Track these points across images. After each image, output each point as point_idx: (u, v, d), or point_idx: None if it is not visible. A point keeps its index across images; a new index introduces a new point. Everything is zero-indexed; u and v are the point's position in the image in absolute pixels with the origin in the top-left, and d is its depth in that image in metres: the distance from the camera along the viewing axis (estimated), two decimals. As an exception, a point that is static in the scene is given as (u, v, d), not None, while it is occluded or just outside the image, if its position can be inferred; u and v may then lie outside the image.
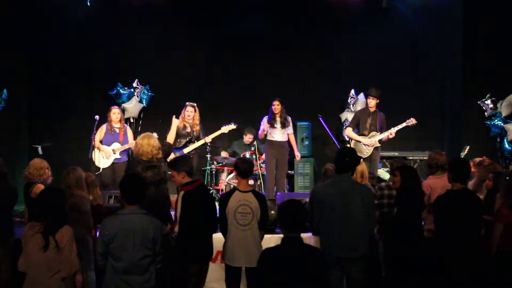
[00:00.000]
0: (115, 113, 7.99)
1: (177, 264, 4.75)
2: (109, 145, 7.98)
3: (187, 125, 8.01)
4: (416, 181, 5.17)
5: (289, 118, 8.25)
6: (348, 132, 8.09)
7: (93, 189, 5.68)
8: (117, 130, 8.02)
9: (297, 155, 8.46)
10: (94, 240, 5.49)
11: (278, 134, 8.13)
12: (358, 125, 8.03)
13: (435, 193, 5.25)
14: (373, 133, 7.93)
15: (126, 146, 8.01)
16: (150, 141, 5.59)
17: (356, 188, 4.60)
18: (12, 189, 5.42)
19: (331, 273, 4.60)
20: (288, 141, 8.31)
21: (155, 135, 7.55)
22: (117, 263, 3.94)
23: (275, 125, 8.09)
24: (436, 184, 5.46)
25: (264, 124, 8.15)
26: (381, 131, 7.93)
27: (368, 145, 7.87)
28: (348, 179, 4.62)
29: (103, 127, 8.00)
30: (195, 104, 8.06)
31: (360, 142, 7.92)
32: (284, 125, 8.12)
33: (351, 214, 4.45)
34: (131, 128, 9.41)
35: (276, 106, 8.06)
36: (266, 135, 8.17)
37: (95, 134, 7.77)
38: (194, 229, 4.75)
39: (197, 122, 8.05)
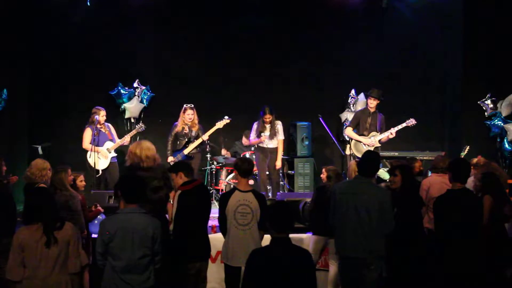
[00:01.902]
0: (103, 115, 7.98)
1: (175, 264, 4.74)
2: (101, 145, 7.96)
3: (186, 127, 8.04)
4: (415, 180, 5.20)
5: (279, 126, 8.18)
6: (348, 132, 8.09)
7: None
8: (103, 131, 8.03)
9: (277, 164, 8.19)
10: (87, 241, 5.50)
11: (269, 142, 8.12)
12: (358, 125, 8.03)
13: (434, 187, 5.49)
14: (373, 133, 7.94)
15: (120, 143, 8.03)
16: (143, 146, 5.36)
17: (375, 191, 4.61)
18: (4, 188, 5.42)
19: (346, 274, 4.63)
20: (291, 141, 8.30)
21: (142, 126, 7.61)
22: (116, 262, 3.94)
23: (265, 133, 8.07)
24: (435, 180, 5.64)
25: (253, 131, 8.14)
26: (381, 131, 7.93)
27: (368, 145, 7.87)
28: (368, 181, 4.65)
29: (89, 131, 7.88)
30: (193, 105, 8.09)
31: (360, 142, 7.92)
32: (274, 135, 8.08)
33: (368, 216, 4.48)
34: (131, 128, 9.43)
35: (267, 119, 8.02)
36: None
37: (93, 138, 7.73)
38: (189, 229, 4.76)
39: (196, 122, 8.08)
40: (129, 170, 5.43)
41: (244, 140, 9.12)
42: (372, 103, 7.92)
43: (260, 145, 8.15)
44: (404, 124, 7.98)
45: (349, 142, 8.21)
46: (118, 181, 4.25)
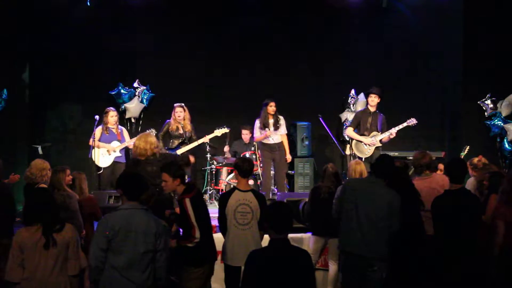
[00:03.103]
0: (113, 116, 8.04)
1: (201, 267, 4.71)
2: (109, 143, 8.03)
3: (179, 126, 8.08)
4: (408, 180, 5.15)
5: (282, 121, 8.21)
6: (349, 132, 8.09)
7: (79, 187, 5.69)
8: (113, 131, 8.07)
9: (288, 157, 8.32)
10: (87, 241, 5.50)
11: (273, 136, 8.11)
12: (358, 125, 8.03)
13: (421, 194, 5.23)
14: (374, 133, 7.93)
15: (126, 144, 8.06)
16: (147, 139, 5.63)
17: (385, 192, 4.60)
18: (4, 189, 5.44)
19: (348, 271, 4.65)
20: (291, 141, 8.31)
21: (153, 131, 7.67)
22: (118, 258, 3.88)
23: (269, 128, 8.07)
24: (420, 186, 5.38)
25: (257, 128, 8.14)
26: (382, 131, 7.94)
27: (369, 145, 7.88)
28: (380, 182, 4.64)
29: (98, 130, 8.03)
30: (183, 104, 8.15)
31: (361, 142, 7.92)
32: (276, 127, 8.10)
33: (374, 216, 4.49)
34: (131, 128, 9.44)
35: (274, 107, 8.04)
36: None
37: (94, 134, 7.81)
38: (208, 233, 4.74)
39: (188, 122, 8.11)
40: (132, 162, 5.56)
41: (244, 133, 9.13)
42: (374, 100, 7.90)
43: (265, 141, 8.15)
44: (405, 124, 7.99)
45: (349, 142, 8.21)
46: (118, 179, 4.23)
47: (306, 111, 9.30)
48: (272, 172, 8.33)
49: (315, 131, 9.23)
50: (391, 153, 8.68)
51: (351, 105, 9.68)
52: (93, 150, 7.88)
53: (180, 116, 8.05)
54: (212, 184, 8.85)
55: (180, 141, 8.07)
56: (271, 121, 8.13)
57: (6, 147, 8.54)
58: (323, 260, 6.26)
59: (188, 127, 8.11)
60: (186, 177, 7.98)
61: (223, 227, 4.97)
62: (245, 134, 9.14)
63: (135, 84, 9.62)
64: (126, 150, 8.32)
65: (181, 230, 4.94)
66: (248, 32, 9.67)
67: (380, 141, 7.92)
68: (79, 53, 9.50)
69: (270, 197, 8.00)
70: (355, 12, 9.79)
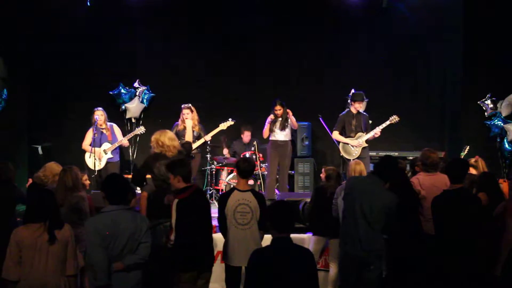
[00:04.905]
0: (98, 115, 8.00)
1: (172, 272, 4.63)
2: (99, 146, 8.01)
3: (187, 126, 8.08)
4: (404, 178, 5.16)
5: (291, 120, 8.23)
6: (335, 136, 8.12)
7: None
8: (104, 131, 8.06)
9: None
10: None
11: (280, 134, 8.12)
12: (343, 128, 8.06)
13: (422, 188, 5.38)
14: (359, 133, 7.98)
15: (117, 144, 8.07)
16: (170, 136, 5.62)
17: (383, 193, 4.60)
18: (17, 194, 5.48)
19: (345, 270, 4.66)
20: (292, 141, 8.32)
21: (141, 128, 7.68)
22: (110, 254, 3.93)
23: (275, 128, 8.07)
24: (424, 181, 5.50)
25: (267, 125, 8.16)
26: (366, 131, 7.98)
27: (356, 146, 7.92)
28: (380, 183, 4.64)
29: (89, 133, 8.01)
30: (190, 105, 8.12)
31: (348, 144, 7.97)
32: (284, 127, 8.10)
33: (372, 217, 4.51)
34: (132, 129, 9.44)
35: (278, 111, 8.04)
36: (269, 135, 8.16)
37: (93, 139, 7.79)
38: (191, 240, 4.55)
39: (196, 122, 8.10)
40: (154, 158, 5.50)
41: (246, 134, 9.12)
42: (360, 106, 7.98)
43: (271, 138, 8.14)
44: (388, 122, 8.05)
45: (338, 145, 8.23)
46: (102, 182, 4.23)
47: (306, 111, 9.29)
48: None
49: (315, 131, 9.24)
50: (391, 154, 8.71)
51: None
52: (85, 154, 8.00)
53: (187, 118, 8.04)
54: (212, 184, 8.85)
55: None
56: (279, 119, 8.13)
57: (6, 147, 8.54)
58: (324, 260, 6.26)
59: (196, 127, 8.10)
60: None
61: (223, 227, 4.96)
62: (246, 136, 9.16)
63: (136, 84, 9.62)
64: (120, 148, 8.33)
65: None
66: (248, 31, 9.67)
67: (366, 141, 7.97)
68: (79, 53, 9.50)
69: (273, 197, 7.98)
70: (355, 12, 9.78)
